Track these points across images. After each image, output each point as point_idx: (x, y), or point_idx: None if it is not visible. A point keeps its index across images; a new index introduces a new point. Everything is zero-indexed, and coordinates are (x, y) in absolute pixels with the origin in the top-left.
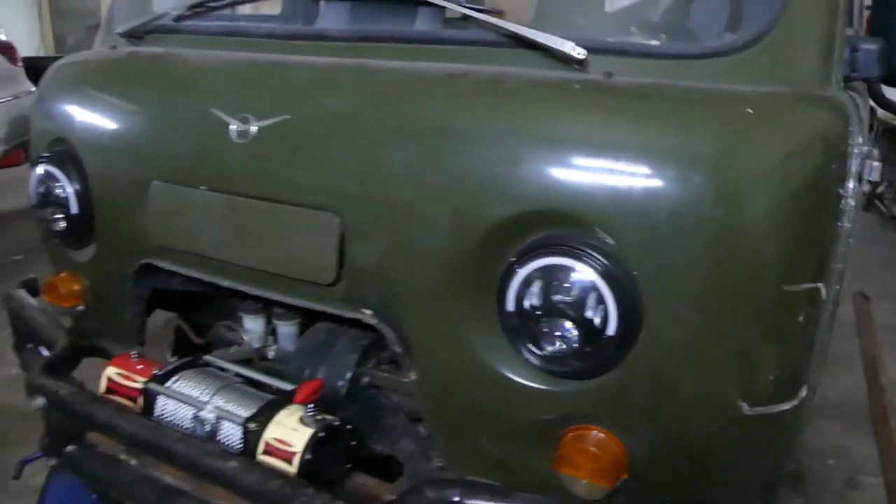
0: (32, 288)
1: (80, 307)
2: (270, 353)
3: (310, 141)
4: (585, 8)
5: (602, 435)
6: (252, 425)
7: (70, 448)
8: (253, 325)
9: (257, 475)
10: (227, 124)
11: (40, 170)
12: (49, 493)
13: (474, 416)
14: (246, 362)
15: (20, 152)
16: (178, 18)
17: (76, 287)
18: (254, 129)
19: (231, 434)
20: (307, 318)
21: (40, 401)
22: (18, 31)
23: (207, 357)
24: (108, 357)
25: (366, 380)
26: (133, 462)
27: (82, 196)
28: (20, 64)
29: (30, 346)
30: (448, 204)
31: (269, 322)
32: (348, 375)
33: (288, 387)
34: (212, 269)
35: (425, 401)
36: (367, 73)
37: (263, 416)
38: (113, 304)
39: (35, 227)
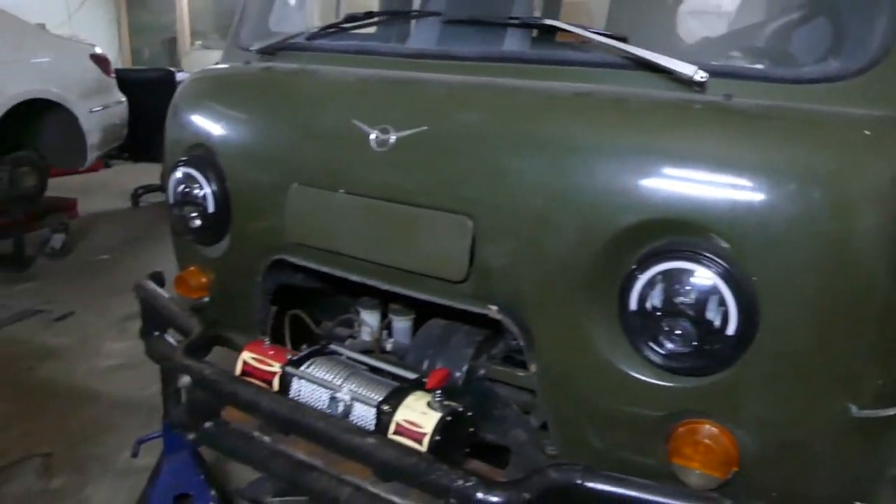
0: (159, 280)
1: (206, 299)
2: (387, 346)
3: (447, 150)
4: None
5: (714, 429)
6: (385, 407)
7: (207, 424)
8: (370, 320)
9: (394, 451)
10: (368, 134)
11: (179, 173)
12: (163, 472)
13: (591, 407)
14: (366, 352)
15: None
16: (311, 37)
17: (203, 280)
18: (393, 138)
19: (364, 415)
20: (419, 315)
21: (186, 380)
22: (100, 44)
23: (333, 346)
24: (229, 345)
25: (482, 372)
26: (266, 439)
27: (219, 197)
28: (113, 75)
29: (156, 333)
30: (576, 211)
31: (384, 317)
32: (465, 368)
33: (411, 375)
34: (344, 266)
35: (544, 392)
36: (498, 91)
37: (394, 399)
38: (239, 297)
39: (117, 228)
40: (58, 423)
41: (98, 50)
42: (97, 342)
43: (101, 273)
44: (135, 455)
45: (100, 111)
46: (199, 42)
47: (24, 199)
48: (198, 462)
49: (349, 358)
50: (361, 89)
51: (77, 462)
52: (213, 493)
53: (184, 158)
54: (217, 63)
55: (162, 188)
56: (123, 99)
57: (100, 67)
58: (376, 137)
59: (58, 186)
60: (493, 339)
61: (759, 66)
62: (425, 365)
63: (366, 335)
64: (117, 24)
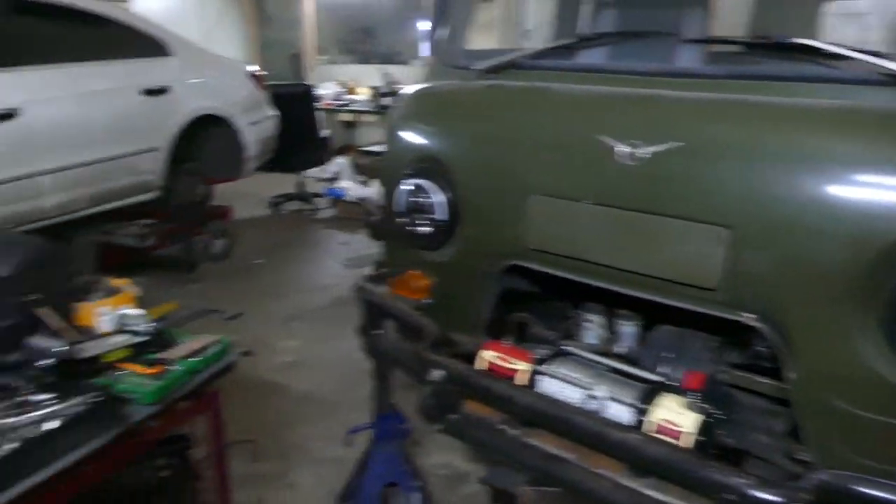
0: (379, 283)
1: (427, 301)
2: (618, 349)
3: (704, 165)
4: None
5: None
6: (644, 406)
7: (453, 416)
8: (601, 324)
9: (664, 448)
10: (616, 148)
11: (409, 183)
12: (373, 461)
13: (852, 415)
14: (600, 355)
15: None
16: (534, 56)
17: (424, 282)
18: (644, 153)
19: (619, 413)
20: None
21: (439, 373)
22: None
23: (568, 348)
24: (450, 346)
25: (723, 377)
26: (511, 431)
27: (450, 205)
28: (265, 91)
29: (375, 332)
30: (847, 223)
31: (608, 322)
32: (707, 373)
33: (654, 377)
34: (587, 272)
35: (802, 399)
36: (755, 107)
37: (650, 399)
38: (464, 299)
39: (263, 234)
40: (253, 413)
41: (253, 67)
42: (269, 340)
43: (257, 276)
44: (349, 444)
45: (256, 125)
46: (324, 57)
47: (196, 205)
48: (404, 453)
49: (589, 360)
50: (604, 105)
51: (279, 449)
52: (417, 483)
53: (413, 170)
54: (425, 81)
55: (300, 197)
56: (273, 113)
57: (255, 83)
58: (628, 152)
59: None
60: (729, 346)
61: None
62: (664, 369)
63: (591, 338)
64: (247, 41)
